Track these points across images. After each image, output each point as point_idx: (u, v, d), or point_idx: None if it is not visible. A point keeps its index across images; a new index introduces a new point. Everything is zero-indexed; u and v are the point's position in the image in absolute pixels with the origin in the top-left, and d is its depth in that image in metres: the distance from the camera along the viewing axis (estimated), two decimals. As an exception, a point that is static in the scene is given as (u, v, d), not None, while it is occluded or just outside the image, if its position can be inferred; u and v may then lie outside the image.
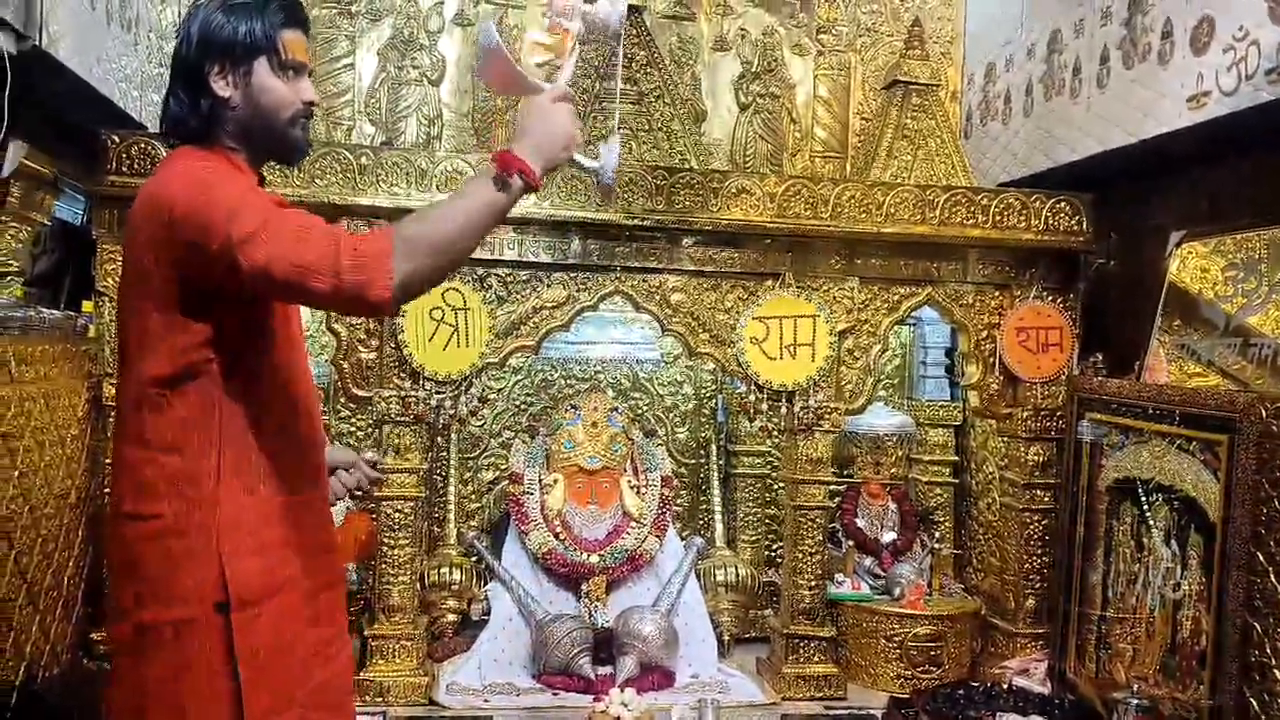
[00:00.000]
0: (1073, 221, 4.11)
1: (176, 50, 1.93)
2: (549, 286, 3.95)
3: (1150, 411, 3.51)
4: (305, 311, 2.32)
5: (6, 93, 2.83)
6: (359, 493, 2.41)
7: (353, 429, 4.50)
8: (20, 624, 2.95)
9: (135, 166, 3.56)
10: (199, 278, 1.77)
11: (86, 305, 3.65)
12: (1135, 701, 3.32)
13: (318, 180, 3.70)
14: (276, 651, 1.86)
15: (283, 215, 1.75)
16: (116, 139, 3.57)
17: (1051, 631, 4.07)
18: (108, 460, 3.55)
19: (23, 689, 2.90)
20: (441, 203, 1.81)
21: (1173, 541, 3.40)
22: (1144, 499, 3.55)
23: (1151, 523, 3.51)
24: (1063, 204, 4.10)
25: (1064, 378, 4.14)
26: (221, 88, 1.88)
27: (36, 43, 2.89)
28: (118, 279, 3.62)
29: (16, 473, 2.89)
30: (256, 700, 1.82)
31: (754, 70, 5.05)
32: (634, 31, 4.37)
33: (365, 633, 3.83)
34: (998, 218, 4.07)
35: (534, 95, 1.87)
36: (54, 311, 3.42)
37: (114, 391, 3.51)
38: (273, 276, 1.69)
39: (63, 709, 2.92)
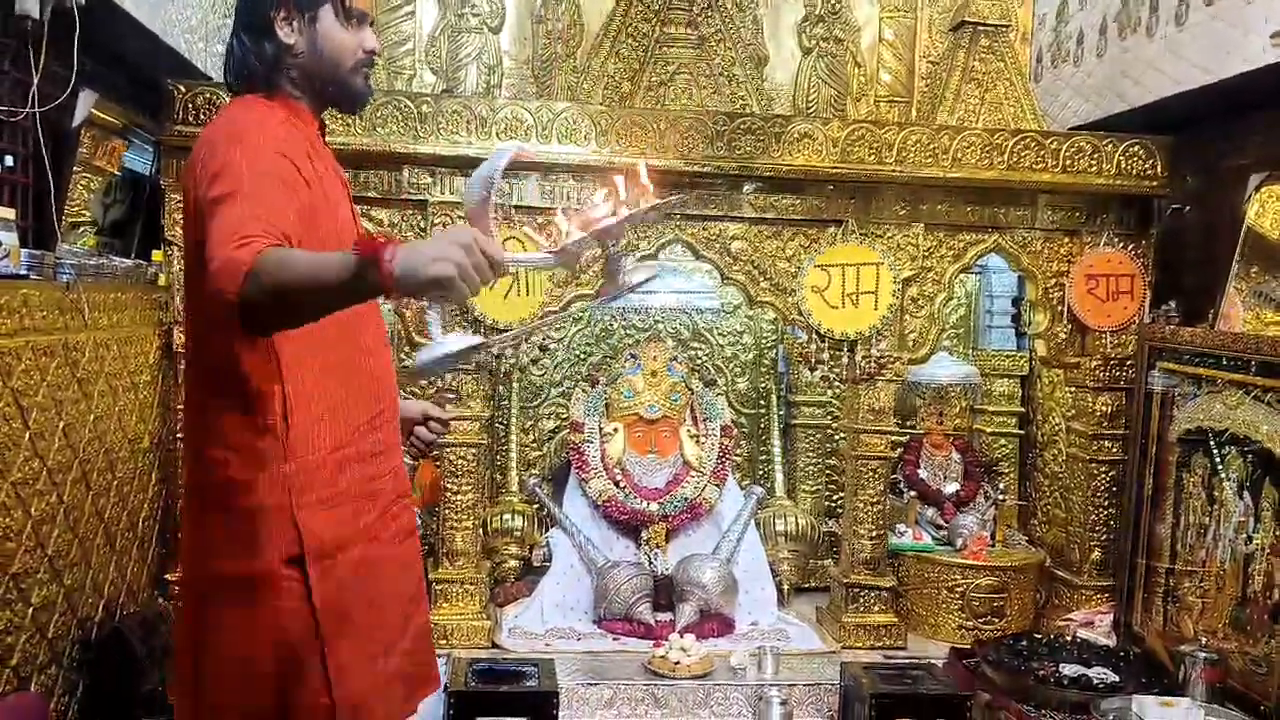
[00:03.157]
0: (1146, 165, 3.99)
1: None
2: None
3: (1225, 361, 3.43)
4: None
5: (76, 43, 2.87)
6: (430, 449, 2.39)
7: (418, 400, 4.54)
8: (98, 564, 3.05)
9: (201, 116, 3.60)
10: None
11: (156, 254, 3.71)
12: (1203, 655, 3.27)
13: (379, 129, 3.71)
14: (359, 600, 1.85)
15: (249, 203, 1.65)
16: (182, 89, 3.61)
17: (1117, 584, 4.02)
18: (179, 406, 3.66)
19: (102, 625, 3.01)
20: (305, 255, 1.63)
21: (1245, 493, 3.33)
22: (1216, 450, 3.47)
23: (1224, 474, 3.43)
24: (1136, 147, 3.98)
25: (1134, 326, 4.04)
26: (287, 34, 1.89)
27: (104, -7, 2.92)
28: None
29: (92, 417, 2.97)
30: (340, 651, 1.81)
31: (818, 13, 4.94)
32: (696, -26, 4.31)
33: (429, 577, 3.90)
34: (1068, 162, 3.96)
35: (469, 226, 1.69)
36: (125, 260, 3.49)
37: (184, 340, 3.63)
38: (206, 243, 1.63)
39: (140, 645, 3.01)
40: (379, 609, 1.90)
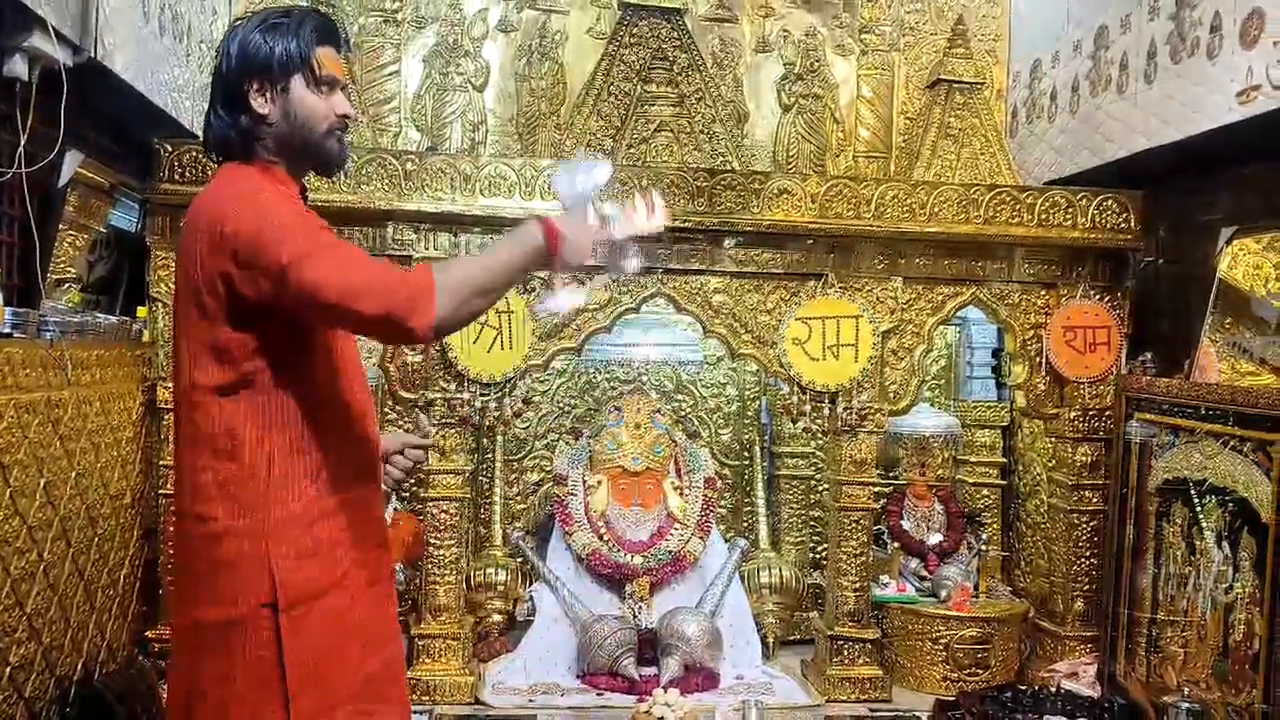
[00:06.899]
0: (1120, 219, 4.06)
1: (216, 69, 1.99)
2: (591, 289, 3.97)
3: (1201, 411, 3.47)
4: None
5: (63, 103, 2.91)
6: (410, 479, 2.41)
7: (400, 431, 4.54)
8: (78, 622, 3.03)
9: (187, 174, 3.64)
10: (247, 293, 1.81)
11: (141, 310, 3.73)
12: (1186, 705, 3.28)
13: (364, 186, 3.75)
14: (326, 651, 1.90)
15: (331, 241, 1.84)
16: (169, 148, 3.66)
17: (1101, 634, 4.02)
18: (162, 462, 3.65)
19: (81, 685, 2.98)
20: (486, 250, 1.99)
21: (1224, 543, 3.35)
22: (1195, 500, 3.50)
23: (1203, 524, 3.45)
24: (1110, 201, 4.05)
25: (1112, 377, 4.09)
26: (260, 104, 1.94)
27: (92, 54, 2.96)
28: (171, 285, 3.71)
29: (74, 474, 2.97)
30: (303, 699, 1.86)
31: (796, 71, 5.04)
32: (675, 34, 4.38)
33: (412, 632, 3.88)
34: (1043, 216, 4.03)
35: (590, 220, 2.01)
36: (110, 316, 3.50)
37: (168, 395, 3.64)
38: (320, 297, 1.76)
39: (119, 704, 2.98)
40: (346, 657, 1.94)
